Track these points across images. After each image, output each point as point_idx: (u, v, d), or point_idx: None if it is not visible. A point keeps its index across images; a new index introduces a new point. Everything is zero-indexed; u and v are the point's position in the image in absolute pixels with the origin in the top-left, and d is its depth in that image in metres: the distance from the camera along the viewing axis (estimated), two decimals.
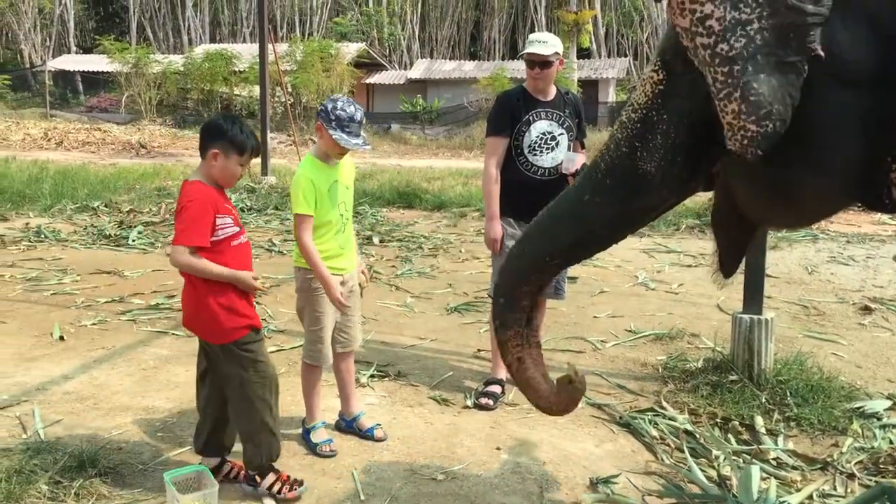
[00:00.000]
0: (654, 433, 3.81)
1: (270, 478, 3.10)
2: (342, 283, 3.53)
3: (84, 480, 3.12)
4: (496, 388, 4.19)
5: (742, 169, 2.06)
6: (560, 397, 2.55)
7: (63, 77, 35.61)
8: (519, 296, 2.47)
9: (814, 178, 1.93)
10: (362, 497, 3.16)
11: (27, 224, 8.76)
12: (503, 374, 4.14)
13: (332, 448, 3.54)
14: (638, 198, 2.24)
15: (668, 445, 3.69)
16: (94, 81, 33.76)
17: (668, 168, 2.15)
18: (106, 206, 10.17)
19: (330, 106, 3.38)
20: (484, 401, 4.11)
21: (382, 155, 22.53)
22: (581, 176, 2.43)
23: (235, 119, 3.07)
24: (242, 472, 3.20)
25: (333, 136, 3.32)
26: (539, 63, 4.09)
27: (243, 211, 10.04)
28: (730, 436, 3.74)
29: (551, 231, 2.39)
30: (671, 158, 2.14)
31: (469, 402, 4.14)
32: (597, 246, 2.44)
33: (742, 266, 4.41)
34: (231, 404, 3.10)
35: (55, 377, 4.27)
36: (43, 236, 8.16)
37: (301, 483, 3.13)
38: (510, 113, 4.14)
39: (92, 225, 8.89)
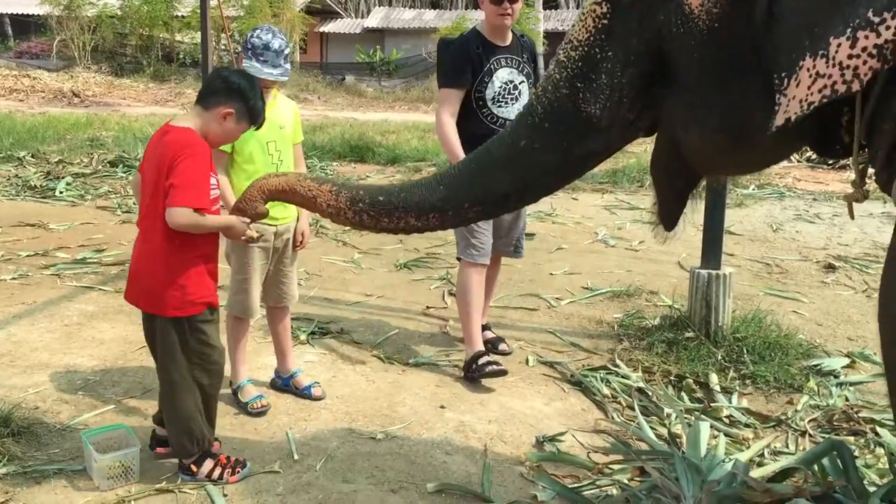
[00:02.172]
0: (606, 391, 3.83)
1: (208, 464, 2.95)
2: (276, 235, 3.46)
3: None
4: (486, 357, 3.96)
5: (690, 112, 2.03)
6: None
7: None
8: (396, 216, 2.31)
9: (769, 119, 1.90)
10: (296, 457, 3.13)
11: None
12: (479, 344, 4.01)
13: (263, 404, 3.50)
14: (580, 143, 2.18)
15: (620, 404, 3.72)
16: (25, 25, 32.62)
17: (613, 110, 2.10)
18: (33, 156, 9.89)
19: (248, 35, 3.33)
20: (493, 367, 3.88)
21: (335, 107, 22.26)
22: (515, 119, 2.34)
23: (255, 82, 2.90)
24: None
25: (244, 66, 3.24)
26: None
27: None
28: (683, 394, 3.79)
29: (479, 178, 2.29)
30: (617, 100, 2.09)
31: (412, 361, 4.12)
32: (532, 195, 2.38)
33: (701, 221, 4.47)
34: (164, 384, 2.92)
35: None
36: None
37: (244, 464, 3.00)
38: (469, 61, 3.90)
39: (16, 175, 8.66)
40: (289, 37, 27.40)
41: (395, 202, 2.32)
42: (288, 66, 3.41)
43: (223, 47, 24.27)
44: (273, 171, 3.38)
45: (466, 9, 35.88)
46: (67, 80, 24.08)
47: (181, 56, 28.61)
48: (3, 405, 3.29)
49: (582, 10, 2.16)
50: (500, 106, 3.93)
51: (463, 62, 3.90)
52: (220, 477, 2.94)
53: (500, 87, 3.91)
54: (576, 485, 2.98)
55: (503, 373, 3.88)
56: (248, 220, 2.80)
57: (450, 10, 37.73)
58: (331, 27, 34.42)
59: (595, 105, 2.10)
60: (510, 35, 4.03)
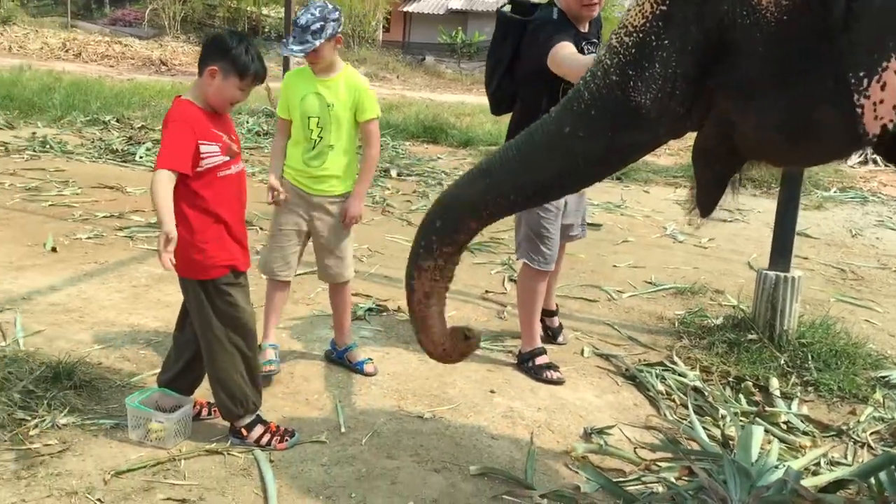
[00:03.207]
0: (661, 388, 3.77)
1: (258, 430, 3.01)
2: (310, 205, 3.56)
3: (58, 392, 3.16)
4: (545, 358, 3.89)
5: (748, 104, 1.95)
6: (449, 345, 2.50)
7: None
8: (461, 228, 2.30)
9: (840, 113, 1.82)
10: (343, 430, 3.17)
11: (34, 133, 8.81)
12: (538, 342, 3.94)
13: (270, 369, 3.51)
14: (627, 133, 2.10)
15: (674, 401, 3.66)
16: None
17: (664, 101, 2.01)
18: (118, 120, 10.19)
19: None
20: (551, 374, 3.80)
21: (413, 87, 22.34)
22: (560, 105, 2.23)
23: (244, 38, 2.88)
24: (205, 409, 3.18)
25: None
26: None
27: (258, 135, 10.02)
28: (741, 396, 3.70)
29: (522, 166, 2.22)
30: (669, 90, 2.00)
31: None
32: (575, 184, 2.31)
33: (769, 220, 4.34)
34: (203, 348, 2.98)
35: (42, 288, 4.32)
36: (48, 147, 8.21)
37: (293, 434, 3.05)
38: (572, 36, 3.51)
39: (100, 139, 8.93)
40: (371, 16, 27.68)
41: (461, 225, 2.30)
42: (316, 42, 3.32)
43: None
44: (313, 146, 3.44)
45: None
46: (156, 48, 24.73)
47: (266, 29, 29.08)
48: (69, 359, 3.41)
49: None
50: None
51: (568, 34, 3.50)
52: (269, 443, 3.00)
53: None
54: (620, 479, 2.94)
55: (560, 382, 3.79)
56: (172, 237, 2.65)
57: None
58: (414, 7, 34.51)
59: (645, 95, 2.03)
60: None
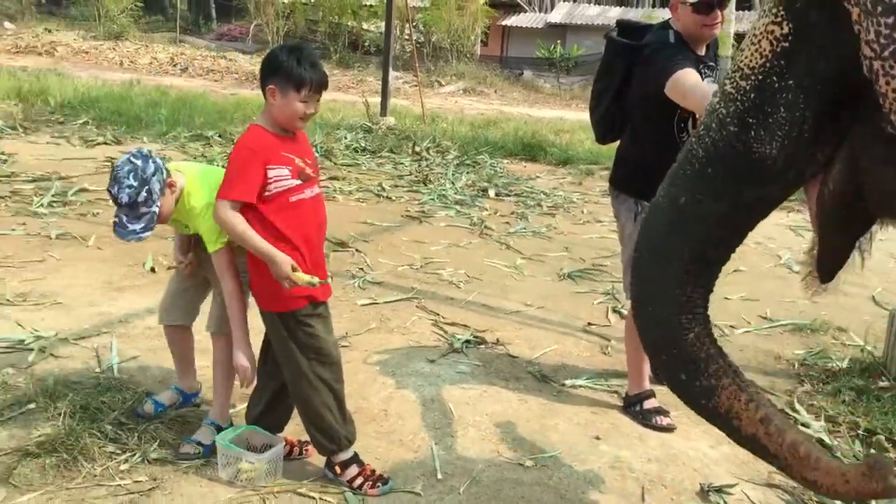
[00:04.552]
0: None
1: (353, 470, 2.90)
2: None
3: (149, 425, 3.10)
4: (654, 402, 3.63)
5: (891, 147, 1.68)
6: (863, 480, 1.82)
7: (197, 2, 36.82)
8: (693, 350, 2.03)
9: None
10: (439, 476, 3.00)
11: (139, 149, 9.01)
12: (647, 383, 3.66)
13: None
14: (753, 188, 1.87)
15: None
16: (227, 9, 34.68)
17: (792, 149, 1.78)
18: (220, 136, 10.36)
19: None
20: (660, 420, 3.54)
21: (510, 102, 22.19)
22: (670, 175, 2.03)
23: (296, 49, 2.75)
24: (296, 448, 3.07)
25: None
26: (718, 3, 3.26)
27: (356, 151, 10.02)
28: (872, 451, 3.36)
29: (660, 259, 2.04)
30: (796, 136, 1.76)
31: (569, 383, 3.89)
32: (717, 253, 2.04)
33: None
34: (289, 383, 2.87)
35: (139, 310, 4.30)
36: None
37: (386, 481, 2.90)
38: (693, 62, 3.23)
39: (202, 155, 9.07)
40: (470, 30, 27.67)
41: (687, 345, 2.06)
42: (153, 207, 2.77)
43: (406, 37, 24.74)
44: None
45: (654, 7, 34.86)
46: (259, 63, 25.29)
47: (366, 44, 29.42)
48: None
49: (752, 32, 1.82)
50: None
51: (688, 61, 3.23)
52: (360, 487, 2.86)
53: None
54: None
55: (671, 429, 3.53)
56: (296, 268, 2.67)
57: (636, 7, 36.82)
58: (513, 21, 34.36)
59: (770, 144, 1.78)
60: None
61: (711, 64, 3.41)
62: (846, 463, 2.15)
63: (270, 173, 2.68)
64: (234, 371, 2.99)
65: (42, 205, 6.28)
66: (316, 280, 2.72)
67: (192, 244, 3.17)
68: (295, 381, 2.83)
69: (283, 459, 2.94)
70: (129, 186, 2.74)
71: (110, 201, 2.84)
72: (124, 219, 2.79)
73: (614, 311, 4.99)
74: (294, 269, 2.67)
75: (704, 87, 3.05)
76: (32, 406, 3.17)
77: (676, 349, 2.07)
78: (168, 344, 3.37)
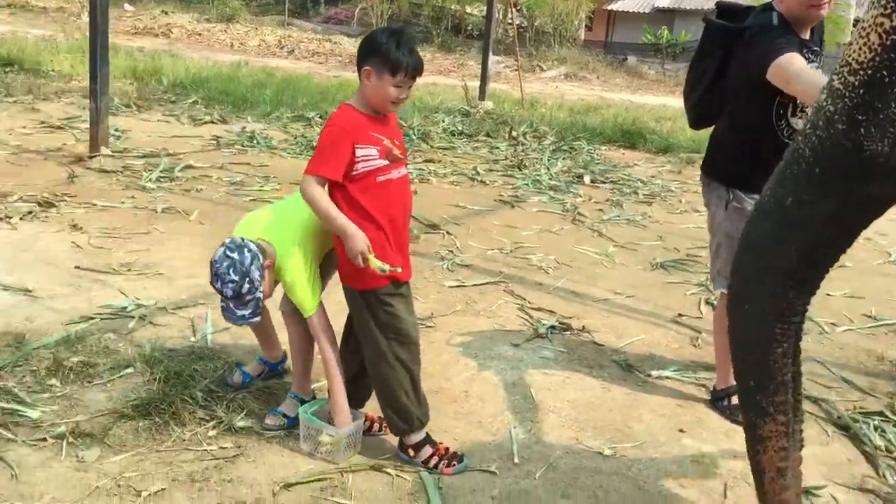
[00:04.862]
0: (879, 442, 3.33)
1: (427, 450, 2.91)
2: None
3: (237, 394, 3.20)
4: None
5: None
6: None
7: None
8: (774, 365, 2.03)
9: None
10: (516, 460, 2.99)
11: (244, 128, 9.27)
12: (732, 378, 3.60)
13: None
14: (863, 186, 1.79)
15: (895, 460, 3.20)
16: None
17: None
18: (321, 117, 10.53)
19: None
20: None
21: (612, 89, 21.79)
22: (776, 174, 1.96)
23: (397, 32, 2.75)
24: (375, 424, 3.11)
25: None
26: None
27: (453, 135, 10.04)
28: None
29: (763, 261, 1.98)
30: None
31: (655, 374, 3.81)
32: (828, 255, 1.98)
33: None
34: (367, 360, 2.91)
35: None
36: (255, 142, 8.60)
37: (461, 459, 2.92)
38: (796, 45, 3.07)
39: (303, 135, 9.25)
40: (574, 14, 27.27)
41: (770, 364, 2.07)
42: (257, 293, 2.85)
43: (508, 21, 24.58)
44: None
45: None
46: None
47: (469, 28, 29.42)
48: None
49: (861, 26, 1.72)
50: (799, 116, 3.22)
51: (792, 45, 3.06)
52: (436, 466, 2.88)
53: None
54: None
55: None
56: (370, 250, 2.67)
57: None
58: (619, 5, 33.69)
59: (882, 142, 1.68)
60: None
61: (816, 49, 3.25)
62: None
63: (359, 152, 2.69)
64: (310, 346, 3.06)
65: (150, 180, 6.53)
66: (387, 267, 2.71)
67: None
68: (373, 359, 2.87)
69: (362, 434, 2.99)
70: (231, 281, 2.80)
71: (215, 292, 2.91)
72: (231, 305, 2.86)
73: (707, 302, 4.86)
74: (369, 250, 2.68)
75: (810, 73, 2.91)
76: (130, 370, 3.32)
77: (760, 358, 2.06)
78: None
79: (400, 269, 2.77)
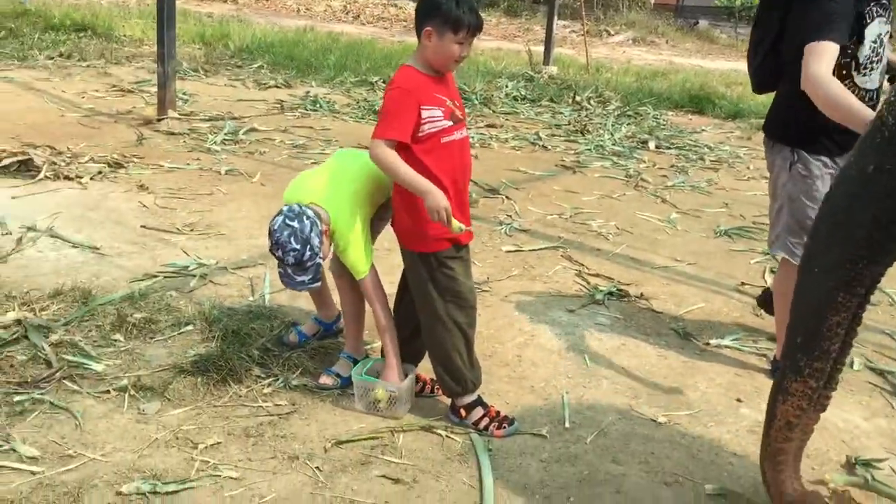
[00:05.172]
0: None
1: (478, 412, 2.92)
2: None
3: (292, 353, 3.25)
4: None
5: None
6: (799, 498, 2.26)
7: None
8: (825, 332, 2.06)
9: None
10: (567, 424, 2.98)
11: (307, 92, 9.32)
12: None
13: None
14: None
15: None
16: None
17: None
18: (383, 81, 10.53)
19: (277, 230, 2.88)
20: None
21: (682, 53, 21.21)
22: (859, 143, 1.95)
23: None
24: (428, 386, 3.11)
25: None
26: None
27: (515, 100, 9.93)
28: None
29: (839, 228, 1.97)
30: None
31: (713, 342, 3.73)
32: None
33: None
34: (422, 323, 2.91)
35: None
36: (318, 105, 8.65)
37: (512, 422, 2.92)
38: (852, 11, 2.96)
39: (366, 99, 9.27)
40: None
41: (823, 329, 2.09)
42: (318, 259, 2.85)
43: None
44: None
45: None
46: None
47: None
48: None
49: None
50: (864, 74, 3.08)
51: (847, 11, 2.96)
52: (486, 428, 2.88)
53: (870, 48, 3.05)
54: None
55: None
56: (448, 208, 2.63)
57: None
58: None
59: None
60: None
61: (885, 2, 3.09)
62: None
63: (424, 113, 2.67)
64: (362, 308, 3.08)
65: (215, 142, 6.63)
66: (463, 226, 2.72)
67: None
68: (430, 321, 2.87)
69: (414, 395, 3.01)
70: (293, 250, 2.80)
71: (275, 260, 2.91)
72: (290, 271, 2.86)
73: (771, 271, 4.73)
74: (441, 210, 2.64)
75: (851, 101, 2.77)
76: (190, 328, 3.40)
77: (815, 322, 2.07)
78: None
79: (472, 228, 2.79)
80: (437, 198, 2.62)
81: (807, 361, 2.11)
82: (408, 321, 3.02)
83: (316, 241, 2.83)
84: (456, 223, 2.67)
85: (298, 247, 2.80)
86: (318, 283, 2.98)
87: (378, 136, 2.66)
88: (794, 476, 2.31)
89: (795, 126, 3.21)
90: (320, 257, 2.87)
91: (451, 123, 2.74)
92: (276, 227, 2.84)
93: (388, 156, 2.64)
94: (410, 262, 2.88)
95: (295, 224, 2.81)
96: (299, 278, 2.88)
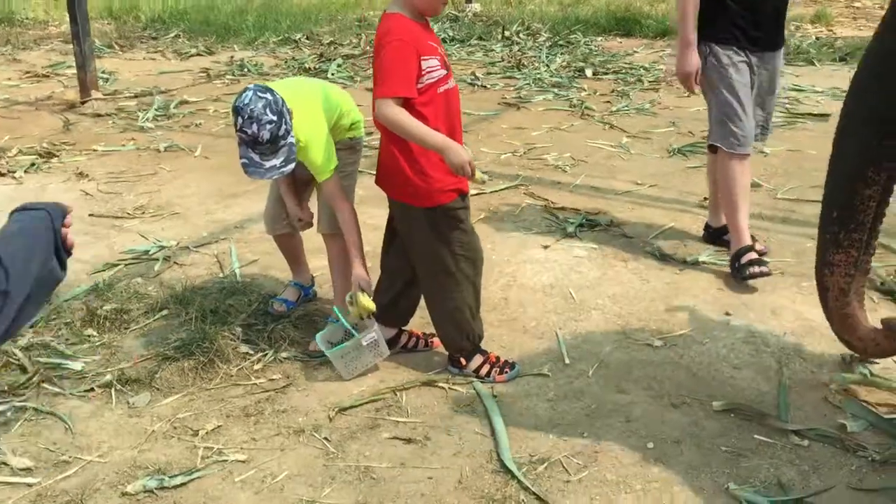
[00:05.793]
0: None
1: (477, 359, 2.85)
2: None
3: (276, 325, 3.14)
4: (751, 254, 3.51)
5: None
6: (885, 343, 2.43)
7: None
8: (859, 205, 2.18)
9: None
10: (567, 360, 2.95)
11: (231, 57, 9.01)
12: (746, 238, 3.55)
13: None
14: None
15: None
16: None
17: None
18: (307, 38, 10.25)
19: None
20: (754, 270, 3.44)
21: None
22: (883, 21, 2.02)
23: None
24: (421, 340, 3.05)
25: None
26: None
27: (444, 41, 9.75)
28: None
29: (872, 100, 2.04)
30: None
31: (690, 259, 3.74)
32: None
33: None
34: (426, 279, 2.81)
35: (254, 215, 4.31)
36: (246, 70, 8.36)
37: (513, 365, 2.87)
38: None
39: (293, 58, 9.00)
40: None
41: (857, 202, 2.23)
42: (290, 138, 2.68)
43: None
44: None
45: None
46: None
47: None
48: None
49: None
50: None
51: None
52: (488, 375, 2.84)
53: None
54: (894, 415, 2.55)
55: (766, 274, 3.44)
56: (472, 160, 2.53)
57: None
58: None
59: None
60: None
61: None
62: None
63: (423, 64, 2.53)
64: (350, 266, 2.96)
65: (147, 119, 6.36)
66: (486, 177, 2.66)
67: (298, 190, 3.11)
68: (438, 278, 2.76)
69: (408, 350, 2.98)
70: (270, 122, 2.59)
71: (238, 141, 2.68)
72: (256, 157, 2.64)
73: None
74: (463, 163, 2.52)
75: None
76: (165, 312, 3.26)
77: (848, 195, 2.21)
78: (279, 249, 3.37)
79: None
80: (459, 152, 2.50)
81: (845, 234, 2.25)
82: (397, 280, 2.93)
83: (288, 117, 2.66)
84: (479, 173, 2.57)
85: (275, 118, 2.60)
86: (292, 165, 2.69)
87: (384, 95, 2.49)
88: (867, 324, 2.50)
89: (701, 20, 3.51)
90: (292, 135, 2.67)
91: (446, 72, 2.62)
92: (247, 101, 2.61)
93: (398, 114, 2.48)
94: (412, 220, 2.73)
95: (268, 95, 2.63)
96: (269, 163, 2.65)
